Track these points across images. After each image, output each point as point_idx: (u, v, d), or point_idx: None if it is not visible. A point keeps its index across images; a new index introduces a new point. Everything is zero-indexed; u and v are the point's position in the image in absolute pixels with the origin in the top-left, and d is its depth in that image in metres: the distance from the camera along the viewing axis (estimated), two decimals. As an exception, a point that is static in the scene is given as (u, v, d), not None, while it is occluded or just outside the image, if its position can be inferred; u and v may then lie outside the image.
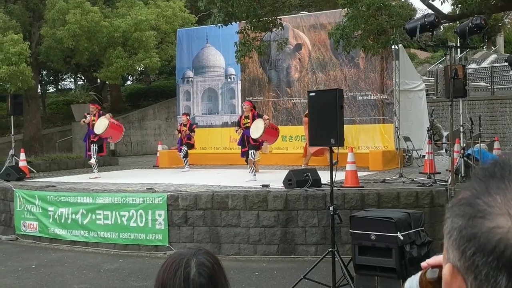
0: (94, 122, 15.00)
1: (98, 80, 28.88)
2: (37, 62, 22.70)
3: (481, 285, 0.86)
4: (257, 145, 14.32)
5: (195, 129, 17.28)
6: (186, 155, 16.85)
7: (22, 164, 16.08)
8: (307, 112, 9.90)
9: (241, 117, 14.94)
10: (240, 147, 14.99)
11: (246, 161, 14.60)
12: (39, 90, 28.09)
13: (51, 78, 36.96)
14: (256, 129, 13.85)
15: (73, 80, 39.04)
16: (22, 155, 16.39)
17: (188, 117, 17.32)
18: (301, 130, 16.95)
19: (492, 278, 0.84)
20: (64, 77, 37.96)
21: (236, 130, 14.98)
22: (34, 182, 14.64)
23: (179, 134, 16.96)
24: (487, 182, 0.90)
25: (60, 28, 20.15)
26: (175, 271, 1.82)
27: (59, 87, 39.43)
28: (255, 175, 13.73)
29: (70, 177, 15.97)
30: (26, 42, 19.74)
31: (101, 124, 14.81)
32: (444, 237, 0.95)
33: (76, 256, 11.43)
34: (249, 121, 14.32)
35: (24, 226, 12.99)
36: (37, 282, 9.51)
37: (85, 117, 15.31)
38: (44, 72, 32.64)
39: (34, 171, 16.93)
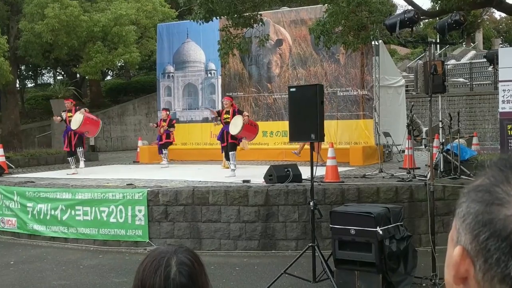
0: (71, 118, 14.84)
1: (78, 75, 28.68)
2: (15, 56, 22.45)
3: (490, 269, 0.90)
4: (235, 143, 14.19)
5: (175, 124, 17.26)
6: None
7: (1, 159, 15.88)
8: None
9: (222, 111, 14.85)
10: (219, 142, 14.94)
11: (226, 157, 14.52)
12: (17, 85, 27.81)
13: (30, 73, 36.62)
14: (235, 126, 13.68)
15: (52, 75, 38.71)
16: (1, 151, 16.18)
17: (168, 113, 17.26)
18: (282, 126, 16.97)
19: (503, 263, 0.88)
20: (43, 72, 37.64)
21: (214, 123, 15.17)
22: (13, 177, 14.49)
23: (158, 128, 16.94)
24: (507, 172, 0.94)
25: (39, 23, 19.95)
26: (155, 270, 1.81)
27: (38, 82, 39.05)
28: (234, 170, 13.69)
29: (49, 172, 15.83)
30: (4, 36, 19.52)
31: (76, 120, 14.66)
32: (456, 220, 0.99)
33: (55, 252, 11.35)
34: (229, 116, 14.22)
35: (3, 222, 12.87)
36: (16, 279, 9.43)
37: (61, 115, 15.19)
38: (22, 67, 32.31)
39: (13, 166, 16.75)
